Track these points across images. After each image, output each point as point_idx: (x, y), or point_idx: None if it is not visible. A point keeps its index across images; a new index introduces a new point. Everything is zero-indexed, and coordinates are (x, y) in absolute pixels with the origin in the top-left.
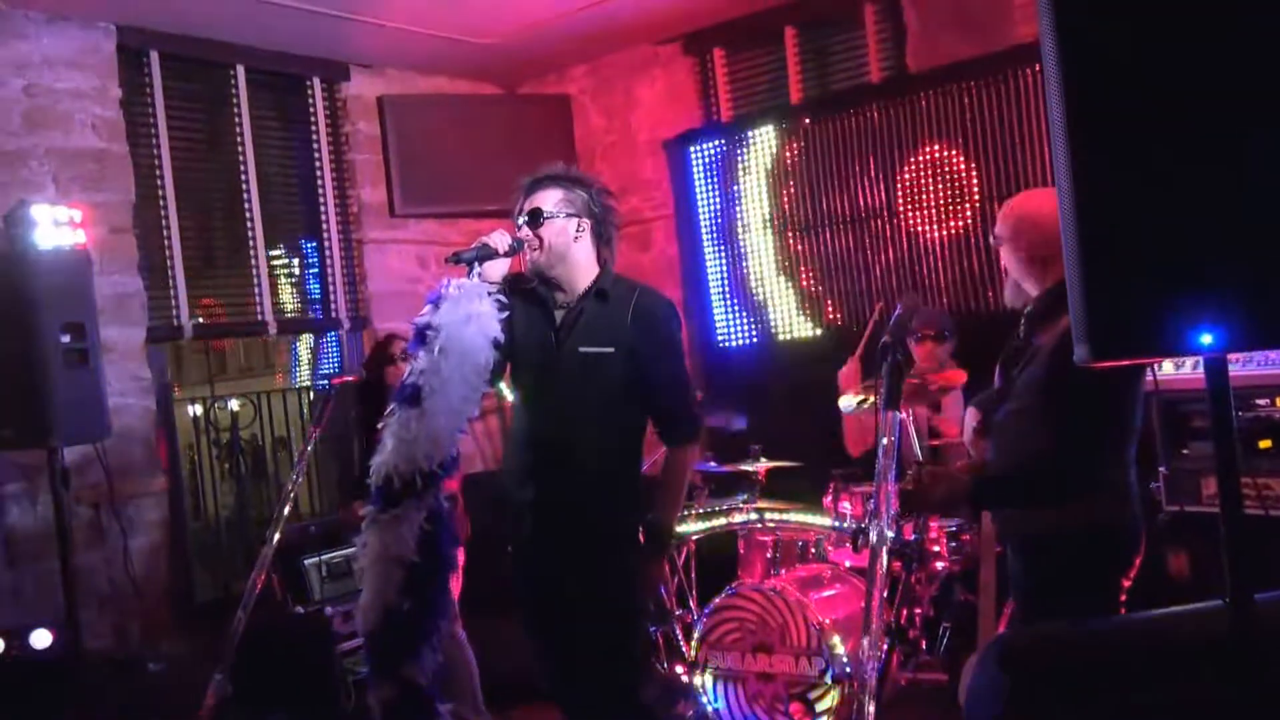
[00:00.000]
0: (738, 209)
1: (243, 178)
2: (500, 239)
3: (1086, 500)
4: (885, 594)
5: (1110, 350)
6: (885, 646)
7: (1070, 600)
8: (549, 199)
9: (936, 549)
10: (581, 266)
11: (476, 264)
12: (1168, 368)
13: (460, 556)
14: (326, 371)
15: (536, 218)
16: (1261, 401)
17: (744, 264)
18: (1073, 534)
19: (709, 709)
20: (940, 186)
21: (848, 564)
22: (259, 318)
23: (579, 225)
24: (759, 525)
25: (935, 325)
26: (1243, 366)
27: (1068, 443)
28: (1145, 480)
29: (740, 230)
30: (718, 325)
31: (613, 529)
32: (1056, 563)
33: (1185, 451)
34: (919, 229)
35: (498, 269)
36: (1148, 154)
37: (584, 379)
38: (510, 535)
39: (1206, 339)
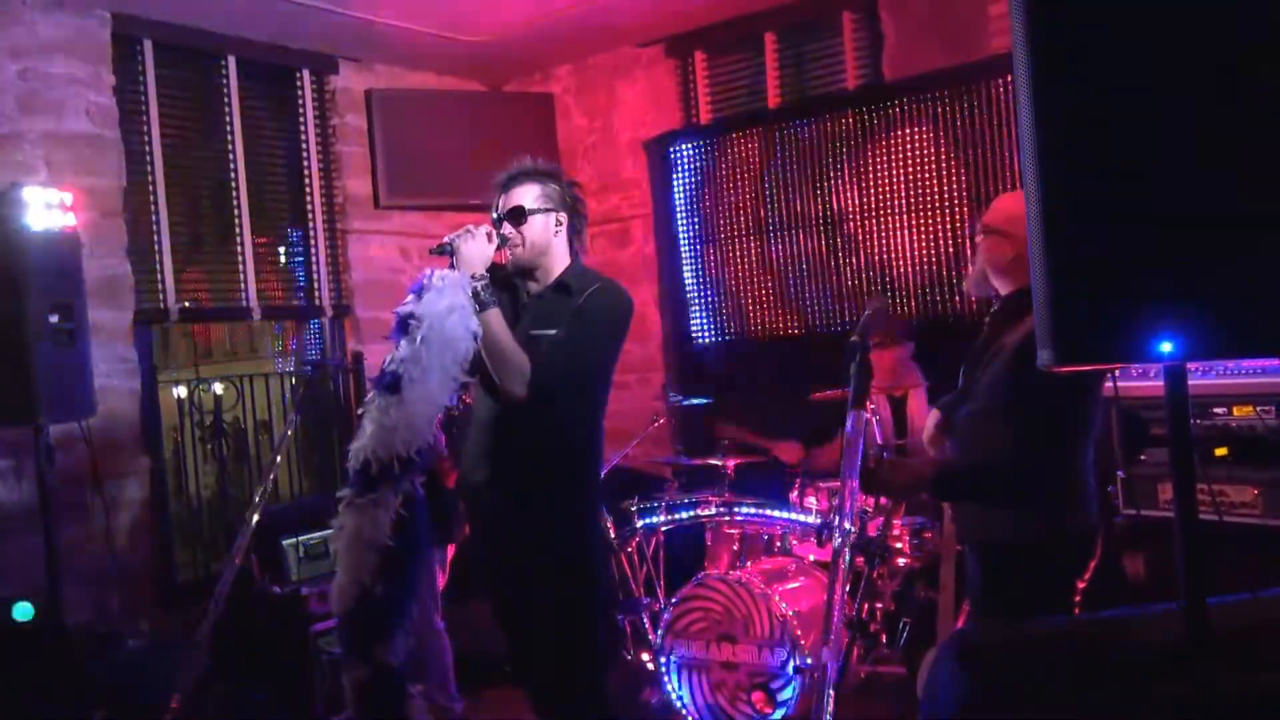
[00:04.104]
0: (714, 209)
1: (231, 166)
2: (484, 234)
3: (1045, 502)
4: (848, 588)
5: (1072, 355)
6: (846, 639)
7: (1025, 603)
8: (528, 195)
9: (899, 545)
10: (558, 260)
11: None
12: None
13: (450, 552)
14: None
15: (519, 216)
16: (1219, 410)
17: (720, 263)
18: (1031, 541)
19: (673, 697)
20: (912, 192)
21: (812, 558)
22: (243, 303)
23: (557, 220)
24: (726, 518)
25: (883, 336)
26: (1202, 376)
27: (1028, 442)
28: (1103, 484)
29: (716, 230)
30: (693, 323)
31: (564, 510)
32: (1014, 567)
33: (1143, 457)
34: (891, 233)
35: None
36: (1115, 162)
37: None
38: (469, 517)
39: (1166, 347)
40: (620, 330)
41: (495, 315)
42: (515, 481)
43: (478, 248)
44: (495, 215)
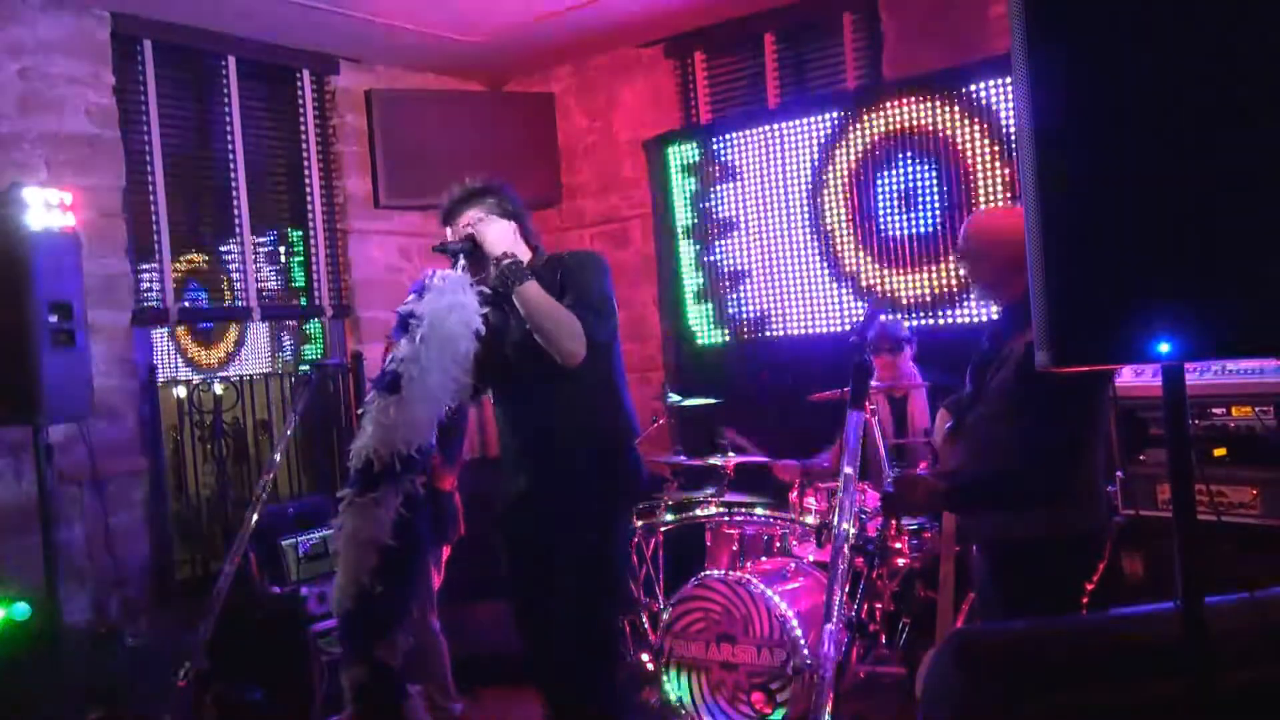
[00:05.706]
0: (714, 210)
1: (231, 166)
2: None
3: (1057, 505)
4: (847, 588)
5: (1070, 357)
6: (845, 639)
7: (1034, 603)
8: (476, 218)
9: (898, 546)
10: (523, 258)
11: (461, 256)
12: (1127, 374)
13: (445, 553)
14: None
15: (474, 245)
16: (1217, 411)
17: (719, 263)
18: (1043, 541)
19: (672, 697)
20: (911, 194)
21: (811, 558)
22: (244, 304)
23: (513, 231)
24: (726, 518)
25: (884, 341)
26: (1199, 376)
27: (1040, 447)
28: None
29: (716, 231)
30: (692, 323)
31: (602, 498)
32: (1025, 568)
33: (1141, 457)
34: (888, 235)
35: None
36: (1112, 165)
37: (536, 352)
38: (501, 524)
39: (1164, 348)
40: (606, 272)
41: (533, 286)
42: (555, 479)
43: (497, 229)
44: (449, 248)
